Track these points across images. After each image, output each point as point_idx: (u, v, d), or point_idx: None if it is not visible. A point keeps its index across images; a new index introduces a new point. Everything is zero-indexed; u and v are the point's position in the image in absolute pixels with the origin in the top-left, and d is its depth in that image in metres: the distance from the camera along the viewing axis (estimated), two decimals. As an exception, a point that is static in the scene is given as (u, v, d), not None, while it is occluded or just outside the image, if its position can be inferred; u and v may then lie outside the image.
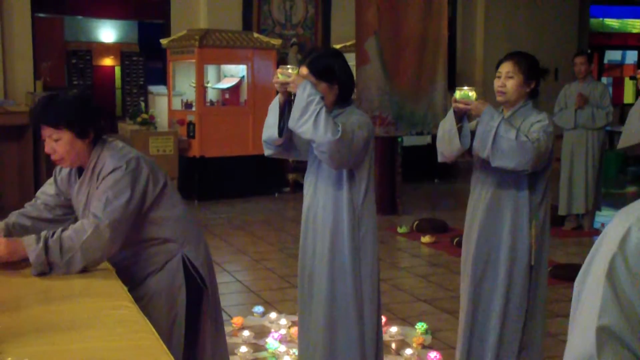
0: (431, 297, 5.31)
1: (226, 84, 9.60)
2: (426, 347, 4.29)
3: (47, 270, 2.55)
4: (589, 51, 10.34)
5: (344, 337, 3.10)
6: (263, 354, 4.17)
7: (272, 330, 4.48)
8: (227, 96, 9.59)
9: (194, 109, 9.17)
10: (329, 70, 3.02)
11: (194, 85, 9.13)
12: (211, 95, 9.49)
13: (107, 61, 13.01)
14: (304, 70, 3.00)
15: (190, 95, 9.32)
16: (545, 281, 3.37)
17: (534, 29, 12.39)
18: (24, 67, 9.53)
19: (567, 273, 5.64)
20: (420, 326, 4.49)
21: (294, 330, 4.17)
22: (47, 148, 2.70)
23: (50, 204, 2.90)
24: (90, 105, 2.77)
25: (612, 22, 15.60)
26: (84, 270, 2.60)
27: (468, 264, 3.39)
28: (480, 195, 3.36)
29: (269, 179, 9.42)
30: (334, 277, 3.08)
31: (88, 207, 2.68)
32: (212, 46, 9.01)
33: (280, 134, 3.07)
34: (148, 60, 11.67)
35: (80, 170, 2.80)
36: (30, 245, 2.54)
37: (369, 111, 7.64)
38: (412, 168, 9.91)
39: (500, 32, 12.20)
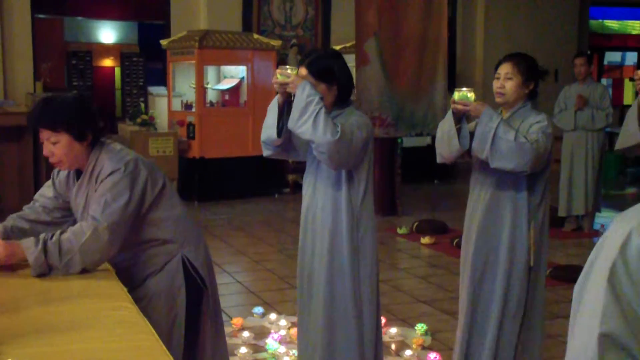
0: (431, 298, 5.31)
1: (226, 85, 9.60)
2: (426, 348, 4.29)
3: (46, 271, 2.56)
4: (589, 52, 10.35)
5: (342, 337, 3.11)
6: (263, 354, 4.17)
7: (272, 331, 4.48)
8: (227, 97, 9.59)
9: (193, 109, 9.17)
10: (328, 71, 3.02)
11: (193, 86, 9.14)
12: (211, 96, 9.49)
13: (107, 62, 13.02)
14: (303, 71, 3.01)
15: (190, 96, 9.32)
16: (543, 282, 3.38)
17: (533, 30, 12.40)
18: (24, 68, 9.53)
19: (567, 274, 5.64)
20: (420, 327, 4.49)
21: (294, 331, 4.17)
22: (46, 151, 2.69)
23: (49, 206, 2.89)
24: (88, 108, 2.77)
25: (612, 24, 15.61)
26: (84, 271, 2.60)
27: (467, 265, 3.39)
28: (479, 196, 3.36)
29: (268, 179, 9.42)
30: (332, 277, 3.09)
31: (87, 210, 2.68)
32: (212, 47, 9.01)
33: (279, 134, 3.07)
34: (148, 61, 11.68)
35: (78, 173, 2.80)
36: (29, 248, 2.54)
37: (368, 112, 7.64)
38: (412, 169, 9.92)
39: (500, 33, 12.21)
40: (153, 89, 10.61)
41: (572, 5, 13.14)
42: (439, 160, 3.39)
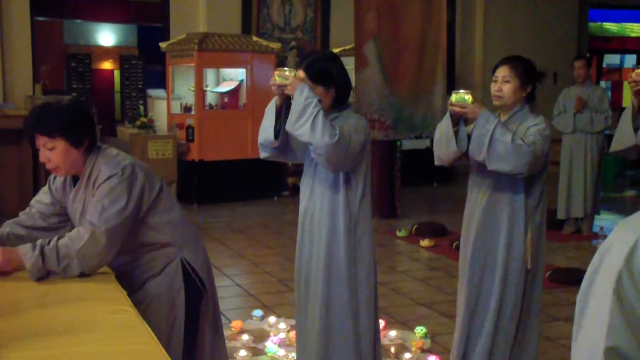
0: (430, 300, 5.30)
1: (225, 87, 9.60)
2: (425, 351, 4.28)
3: (44, 275, 2.56)
4: (588, 55, 10.38)
5: (339, 340, 3.11)
6: (262, 357, 4.16)
7: (271, 334, 4.47)
8: (226, 100, 9.59)
9: (193, 112, 9.17)
10: (326, 73, 3.02)
11: (193, 88, 9.14)
12: (210, 98, 9.49)
13: (107, 65, 13.03)
14: (301, 73, 3.01)
15: (190, 98, 9.32)
16: (541, 284, 3.38)
17: (532, 32, 12.41)
18: (23, 71, 9.54)
19: (565, 277, 5.65)
20: (420, 330, 4.48)
21: (293, 334, 4.16)
22: (42, 157, 2.68)
23: (46, 212, 2.89)
24: (84, 114, 2.76)
25: (611, 26, 15.63)
26: (83, 274, 2.60)
27: (465, 267, 3.39)
28: (477, 199, 3.36)
29: (268, 182, 9.42)
30: (330, 280, 3.09)
31: (84, 215, 2.68)
32: (211, 50, 9.01)
33: (276, 136, 3.07)
34: (147, 63, 11.70)
35: (75, 179, 2.79)
36: (26, 254, 2.54)
37: (368, 115, 7.65)
38: (411, 172, 9.92)
39: (499, 36, 12.22)
40: (152, 92, 10.62)
41: (571, 7, 13.17)
42: (436, 162, 3.39)
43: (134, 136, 8.93)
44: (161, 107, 9.90)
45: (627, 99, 15.71)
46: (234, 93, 9.54)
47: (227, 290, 5.51)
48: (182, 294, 2.82)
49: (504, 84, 3.27)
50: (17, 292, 2.46)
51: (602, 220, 7.88)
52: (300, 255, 3.21)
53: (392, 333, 4.48)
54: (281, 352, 4.14)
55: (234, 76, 9.63)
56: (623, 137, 3.26)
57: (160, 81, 10.49)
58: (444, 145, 3.24)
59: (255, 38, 9.64)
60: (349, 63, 7.66)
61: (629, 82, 3.17)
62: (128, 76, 11.75)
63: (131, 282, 2.78)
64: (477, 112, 3.10)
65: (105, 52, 13.04)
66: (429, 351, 4.27)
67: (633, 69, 3.19)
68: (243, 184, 9.28)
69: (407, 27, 8.01)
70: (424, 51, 8.11)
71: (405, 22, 8.01)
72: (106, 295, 2.44)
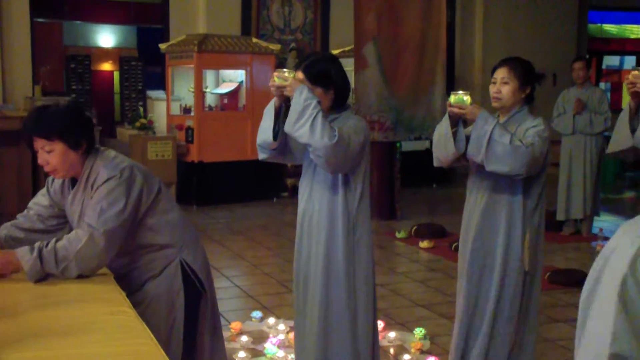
0: (429, 302, 5.30)
1: (225, 89, 9.60)
2: (424, 352, 4.28)
3: (43, 277, 2.56)
4: (587, 56, 10.38)
5: (337, 341, 3.11)
6: (261, 359, 4.16)
7: (271, 335, 4.47)
8: (225, 101, 9.59)
9: (192, 113, 9.17)
10: (325, 75, 3.02)
11: (192, 90, 9.14)
12: (210, 100, 9.49)
13: (106, 66, 13.03)
14: (300, 75, 3.01)
15: (189, 100, 9.32)
16: (539, 286, 3.38)
17: (532, 34, 12.42)
18: (23, 72, 9.54)
19: (565, 278, 5.65)
20: (419, 331, 4.48)
21: (292, 335, 4.16)
22: (40, 160, 2.69)
23: (44, 214, 2.89)
24: (82, 116, 2.76)
25: (611, 28, 15.64)
26: (82, 276, 2.61)
27: (464, 269, 3.39)
28: (476, 200, 3.36)
29: (267, 183, 9.42)
30: (328, 281, 3.09)
31: (82, 218, 2.68)
32: (211, 51, 9.01)
33: (275, 137, 3.07)
34: (147, 65, 11.69)
35: (73, 181, 2.79)
36: (24, 256, 2.54)
37: (367, 116, 7.65)
38: (411, 173, 9.91)
39: (499, 37, 12.23)
40: (152, 93, 10.62)
41: (571, 8, 13.17)
42: (436, 163, 3.39)
43: (134, 137, 8.93)
44: (161, 109, 9.90)
45: (627, 101, 15.71)
46: (233, 94, 9.54)
47: (226, 291, 5.51)
48: (182, 295, 2.82)
49: (502, 85, 3.28)
50: (16, 293, 2.47)
51: (602, 221, 7.88)
52: (299, 256, 3.21)
53: (392, 334, 4.48)
54: (280, 353, 4.14)
55: (234, 77, 9.63)
56: (620, 139, 3.27)
57: (160, 82, 10.49)
58: (442, 146, 3.25)
59: (254, 39, 9.64)
60: (348, 64, 7.69)
61: (625, 84, 3.17)
62: (128, 77, 11.74)
63: (130, 283, 2.78)
64: (475, 113, 3.11)
65: (105, 54, 13.04)
66: (428, 352, 4.27)
67: (630, 71, 3.19)
68: (242, 185, 9.28)
69: (406, 28, 8.02)
70: (424, 52, 8.12)
71: (405, 23, 8.01)
72: (105, 297, 2.44)
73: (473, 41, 12.35)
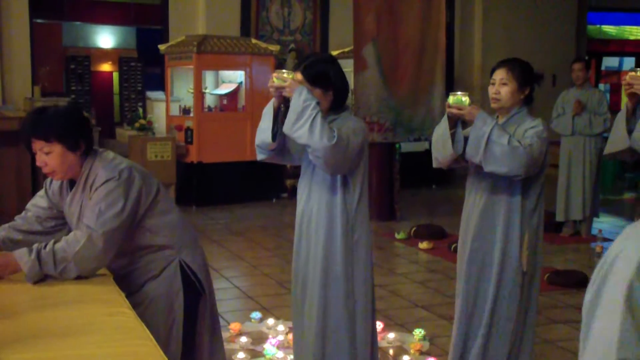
0: (429, 303, 5.30)
1: (224, 89, 9.60)
2: (424, 353, 4.28)
3: (41, 277, 2.56)
4: (587, 58, 10.38)
5: (335, 342, 3.10)
6: (260, 360, 4.17)
7: (270, 336, 4.47)
8: (225, 102, 9.59)
9: (191, 114, 9.17)
10: (324, 76, 3.02)
11: (192, 91, 9.14)
12: (209, 101, 9.49)
13: (106, 67, 13.03)
14: (299, 76, 3.01)
15: (188, 101, 9.32)
16: (538, 287, 3.37)
17: (531, 35, 12.42)
18: (23, 73, 9.54)
19: (564, 279, 5.65)
20: (418, 332, 4.48)
21: (292, 336, 4.16)
22: (39, 161, 2.68)
23: (42, 216, 2.88)
24: (81, 117, 2.76)
25: (610, 29, 15.65)
26: (81, 277, 2.60)
27: (463, 269, 3.39)
28: (474, 201, 3.36)
29: (266, 184, 9.42)
30: (327, 282, 3.09)
31: (81, 219, 2.68)
32: (210, 52, 9.01)
33: (273, 138, 3.07)
34: (146, 65, 11.70)
35: (71, 182, 2.79)
36: (22, 258, 2.54)
37: (367, 117, 7.66)
38: (410, 174, 9.91)
39: (498, 38, 12.23)
40: (151, 94, 10.62)
41: (570, 10, 13.18)
42: (435, 164, 3.39)
43: (133, 138, 8.92)
44: (160, 109, 9.90)
45: (626, 102, 15.72)
46: (232, 95, 9.55)
47: (225, 292, 5.51)
48: (181, 296, 2.82)
49: (501, 86, 3.28)
50: (14, 294, 2.46)
51: (601, 222, 7.89)
52: (298, 257, 3.21)
53: (391, 335, 4.48)
54: (280, 354, 4.14)
55: (233, 78, 9.63)
56: (617, 140, 3.27)
57: (159, 83, 10.49)
58: (441, 147, 3.25)
59: (254, 40, 9.64)
60: (348, 65, 7.69)
61: (623, 85, 3.17)
62: (127, 78, 11.75)
63: (130, 284, 2.78)
64: (474, 114, 3.10)
65: (105, 54, 13.04)
66: (428, 353, 4.27)
67: (627, 72, 3.19)
68: (242, 186, 9.28)
69: (406, 29, 8.02)
70: (423, 52, 8.12)
71: (405, 23, 8.01)
72: (104, 297, 2.44)
73: (472, 42, 12.35)
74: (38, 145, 2.65)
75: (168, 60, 9.47)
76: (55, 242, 2.58)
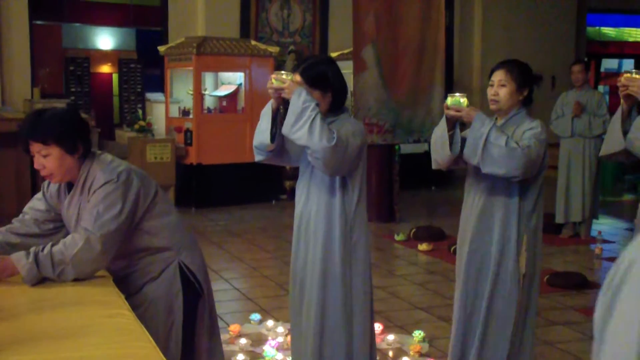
0: (428, 304, 5.30)
1: (223, 91, 9.60)
2: (423, 355, 4.28)
3: (40, 280, 2.55)
4: (586, 59, 10.39)
5: (333, 343, 3.10)
6: (260, 361, 4.16)
7: (269, 337, 4.47)
8: (224, 103, 9.59)
9: (191, 116, 9.17)
10: (323, 77, 3.02)
11: (191, 92, 9.14)
12: (208, 102, 9.49)
13: (105, 68, 13.03)
14: (298, 77, 3.01)
15: (188, 102, 9.32)
16: (537, 289, 3.37)
17: (531, 37, 12.43)
18: (22, 74, 9.53)
19: (564, 281, 5.65)
20: (418, 334, 4.48)
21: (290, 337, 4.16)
22: (36, 164, 2.68)
23: (40, 219, 2.87)
24: (79, 120, 2.76)
25: (609, 31, 15.66)
26: (79, 279, 2.60)
27: (461, 271, 3.39)
28: (473, 202, 3.36)
29: (266, 186, 9.42)
30: (325, 284, 3.08)
31: (79, 222, 2.68)
32: (210, 53, 9.01)
33: (272, 139, 3.07)
34: (146, 67, 11.70)
35: (69, 185, 2.79)
36: (20, 261, 2.53)
37: (366, 119, 7.66)
38: (410, 176, 9.91)
39: (498, 40, 12.24)
40: (151, 95, 10.62)
41: (570, 11, 13.19)
42: (434, 166, 3.39)
43: (133, 140, 8.92)
44: (159, 111, 9.90)
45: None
46: (232, 97, 9.55)
47: (225, 294, 5.51)
48: (180, 297, 2.82)
49: (500, 87, 3.27)
50: (13, 296, 2.46)
51: (601, 224, 7.89)
52: (296, 259, 3.20)
53: (390, 337, 4.47)
54: (279, 356, 4.14)
55: (233, 80, 9.63)
56: (612, 141, 3.27)
57: (159, 85, 10.49)
58: (439, 148, 3.24)
59: (253, 42, 9.64)
60: (347, 67, 7.68)
61: (618, 86, 3.17)
62: (127, 80, 11.75)
63: (129, 285, 2.78)
64: (472, 115, 3.10)
65: (104, 56, 13.04)
66: (427, 355, 4.27)
67: (622, 74, 3.19)
68: (241, 188, 9.28)
69: (405, 30, 8.02)
70: (423, 55, 8.12)
71: (404, 25, 8.02)
72: (104, 299, 2.44)
73: (472, 43, 12.36)
74: (36, 148, 2.65)
75: (167, 61, 9.48)
76: (53, 245, 2.58)
